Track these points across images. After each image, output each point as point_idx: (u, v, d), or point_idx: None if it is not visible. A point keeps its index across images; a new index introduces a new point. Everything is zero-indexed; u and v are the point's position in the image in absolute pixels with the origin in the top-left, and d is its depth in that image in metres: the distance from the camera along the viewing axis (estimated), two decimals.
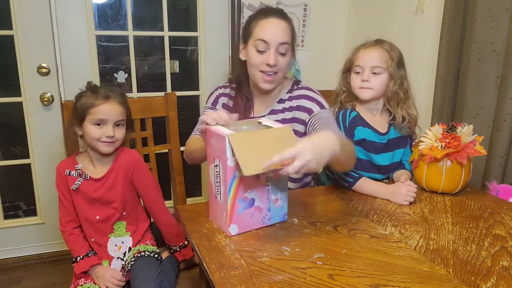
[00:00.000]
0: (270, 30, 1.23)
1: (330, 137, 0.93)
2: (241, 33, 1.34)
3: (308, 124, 1.30)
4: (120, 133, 1.29)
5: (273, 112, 1.35)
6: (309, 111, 1.31)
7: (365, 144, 1.34)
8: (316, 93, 1.35)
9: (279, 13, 1.27)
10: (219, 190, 0.97)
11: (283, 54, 1.25)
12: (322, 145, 0.90)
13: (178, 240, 1.40)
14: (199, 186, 2.48)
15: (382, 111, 1.38)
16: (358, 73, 1.33)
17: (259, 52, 1.24)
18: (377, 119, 1.37)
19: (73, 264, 1.30)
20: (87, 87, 1.31)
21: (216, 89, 1.42)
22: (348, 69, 1.39)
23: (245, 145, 0.90)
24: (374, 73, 1.30)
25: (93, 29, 2.04)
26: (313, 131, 1.27)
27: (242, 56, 1.32)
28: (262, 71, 1.25)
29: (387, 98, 1.34)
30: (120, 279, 1.27)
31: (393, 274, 0.81)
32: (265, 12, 1.27)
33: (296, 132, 1.32)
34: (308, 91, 1.35)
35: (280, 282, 0.78)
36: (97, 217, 1.31)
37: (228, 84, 1.42)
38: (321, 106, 1.31)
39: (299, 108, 1.32)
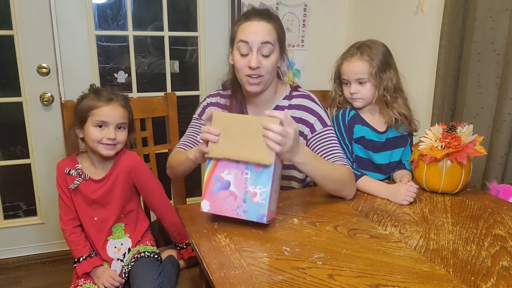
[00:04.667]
0: (251, 31, 1.20)
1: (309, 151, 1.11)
2: (229, 39, 1.31)
3: (309, 141, 1.28)
4: (121, 136, 1.29)
5: None
6: (311, 127, 1.28)
7: (364, 142, 1.35)
8: (318, 104, 1.32)
9: (262, 14, 1.23)
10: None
11: (266, 56, 1.21)
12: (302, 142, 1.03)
13: (184, 237, 1.40)
14: (199, 186, 2.48)
15: (379, 111, 1.39)
16: (346, 84, 1.36)
17: (242, 55, 1.21)
18: (376, 119, 1.38)
19: (74, 265, 1.30)
20: (90, 89, 1.30)
21: (205, 99, 1.39)
22: (338, 77, 1.40)
23: (225, 126, 0.95)
24: (361, 83, 1.33)
25: (93, 29, 2.04)
26: (313, 151, 1.25)
27: (230, 61, 1.29)
28: (246, 75, 1.22)
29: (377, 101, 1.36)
30: (117, 279, 1.27)
31: (393, 274, 0.81)
32: (248, 14, 1.24)
33: None
34: (309, 101, 1.31)
35: (280, 282, 0.78)
36: (95, 219, 1.31)
37: (217, 92, 1.38)
38: (324, 124, 1.28)
39: (301, 120, 1.29)
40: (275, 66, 1.24)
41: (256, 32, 1.20)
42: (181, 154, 1.22)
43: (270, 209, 0.98)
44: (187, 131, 1.37)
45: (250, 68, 1.19)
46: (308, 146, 1.28)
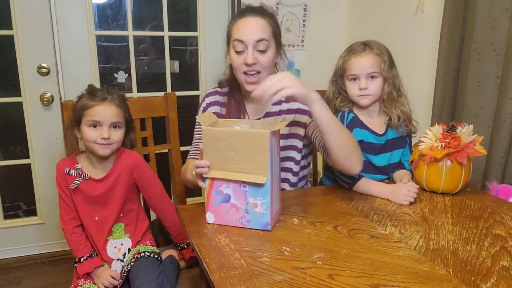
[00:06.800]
0: (245, 29, 1.20)
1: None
2: (225, 38, 1.31)
3: (308, 127, 1.29)
4: (116, 135, 1.27)
5: (268, 114, 1.32)
6: (310, 114, 1.28)
7: (363, 145, 1.34)
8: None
9: (256, 11, 1.23)
10: None
11: (262, 52, 1.21)
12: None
13: (185, 237, 1.40)
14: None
15: (379, 112, 1.38)
16: (354, 80, 1.33)
17: (238, 53, 1.22)
18: (375, 121, 1.37)
19: (75, 265, 1.30)
20: (86, 90, 1.30)
21: (204, 99, 1.38)
22: (340, 75, 1.38)
23: (215, 141, 0.97)
24: (371, 78, 1.31)
25: (93, 29, 2.04)
26: (313, 134, 1.26)
27: (228, 60, 1.29)
28: (244, 73, 1.22)
29: (382, 99, 1.35)
30: (117, 278, 1.27)
31: (393, 274, 0.81)
32: (242, 12, 1.25)
33: (296, 135, 1.31)
34: None
35: (280, 282, 0.78)
36: (96, 218, 1.31)
37: (215, 90, 1.38)
38: None
39: (298, 111, 1.30)
40: (272, 62, 1.24)
41: (251, 30, 1.20)
42: (187, 171, 1.25)
43: (273, 216, 1.00)
44: (194, 137, 1.38)
45: (247, 64, 1.19)
46: (307, 131, 1.29)
